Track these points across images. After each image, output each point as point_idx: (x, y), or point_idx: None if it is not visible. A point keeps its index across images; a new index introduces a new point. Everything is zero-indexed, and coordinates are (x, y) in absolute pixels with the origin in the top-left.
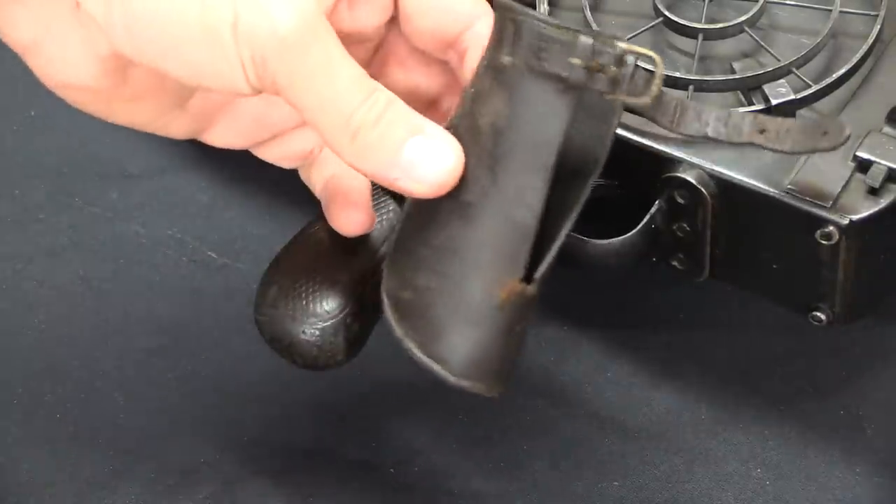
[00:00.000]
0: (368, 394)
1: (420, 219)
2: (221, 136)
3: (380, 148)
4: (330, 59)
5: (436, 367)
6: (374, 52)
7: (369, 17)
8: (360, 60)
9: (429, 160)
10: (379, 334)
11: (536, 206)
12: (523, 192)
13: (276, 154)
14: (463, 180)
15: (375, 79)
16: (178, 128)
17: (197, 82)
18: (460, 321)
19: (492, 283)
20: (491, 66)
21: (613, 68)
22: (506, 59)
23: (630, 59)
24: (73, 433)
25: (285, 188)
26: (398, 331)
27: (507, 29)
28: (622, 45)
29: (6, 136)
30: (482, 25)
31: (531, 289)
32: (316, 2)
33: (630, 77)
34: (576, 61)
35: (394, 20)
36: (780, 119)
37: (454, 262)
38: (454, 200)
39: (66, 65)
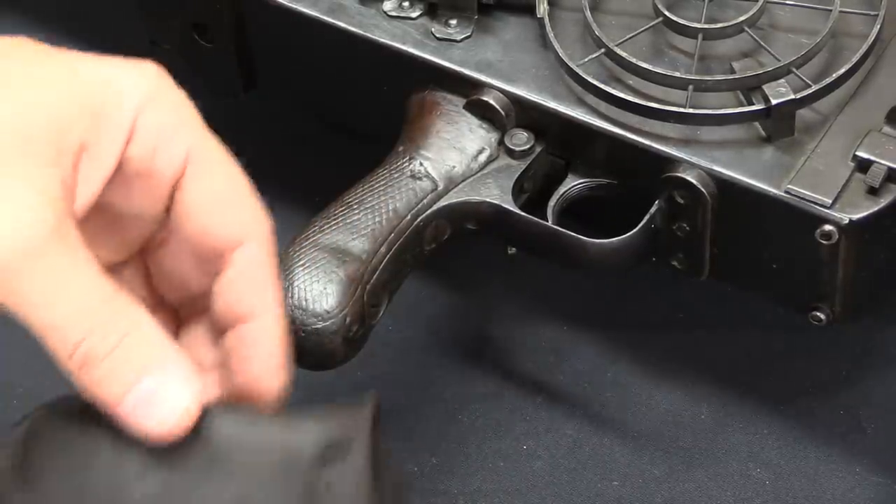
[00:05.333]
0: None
1: None
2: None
3: (106, 385)
4: (59, 281)
5: None
6: (151, 233)
7: (145, 202)
8: (133, 238)
9: (158, 403)
10: (379, 334)
11: None
12: None
13: None
14: None
15: (146, 258)
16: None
17: None
18: None
19: None
20: None
21: None
22: None
23: None
24: None
25: (285, 188)
26: None
27: None
28: None
29: None
30: (252, 249)
31: None
32: (52, 209)
33: None
34: None
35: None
36: None
37: None
38: None
39: None
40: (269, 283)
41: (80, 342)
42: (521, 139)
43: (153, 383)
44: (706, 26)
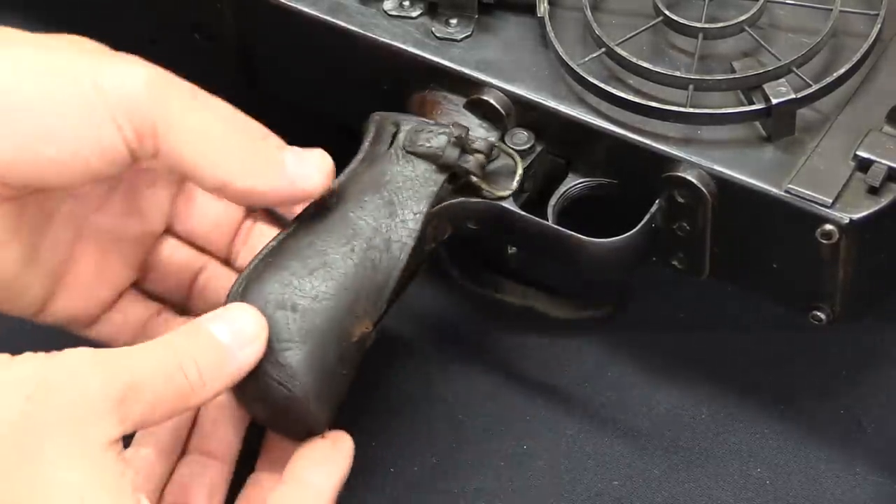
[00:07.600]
0: (368, 394)
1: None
2: (68, 299)
3: (270, 162)
4: (195, 97)
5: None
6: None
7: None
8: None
9: (308, 163)
10: (378, 334)
11: (404, 258)
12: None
13: (113, 326)
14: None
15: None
16: (31, 295)
17: (78, 158)
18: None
19: (353, 321)
20: (367, 158)
21: (482, 155)
22: (382, 149)
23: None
24: None
25: None
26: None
27: (385, 129)
28: (492, 139)
29: None
30: None
31: (373, 334)
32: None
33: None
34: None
35: None
36: None
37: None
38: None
39: None
40: None
41: (238, 135)
42: (521, 138)
43: (294, 153)
44: (707, 26)
